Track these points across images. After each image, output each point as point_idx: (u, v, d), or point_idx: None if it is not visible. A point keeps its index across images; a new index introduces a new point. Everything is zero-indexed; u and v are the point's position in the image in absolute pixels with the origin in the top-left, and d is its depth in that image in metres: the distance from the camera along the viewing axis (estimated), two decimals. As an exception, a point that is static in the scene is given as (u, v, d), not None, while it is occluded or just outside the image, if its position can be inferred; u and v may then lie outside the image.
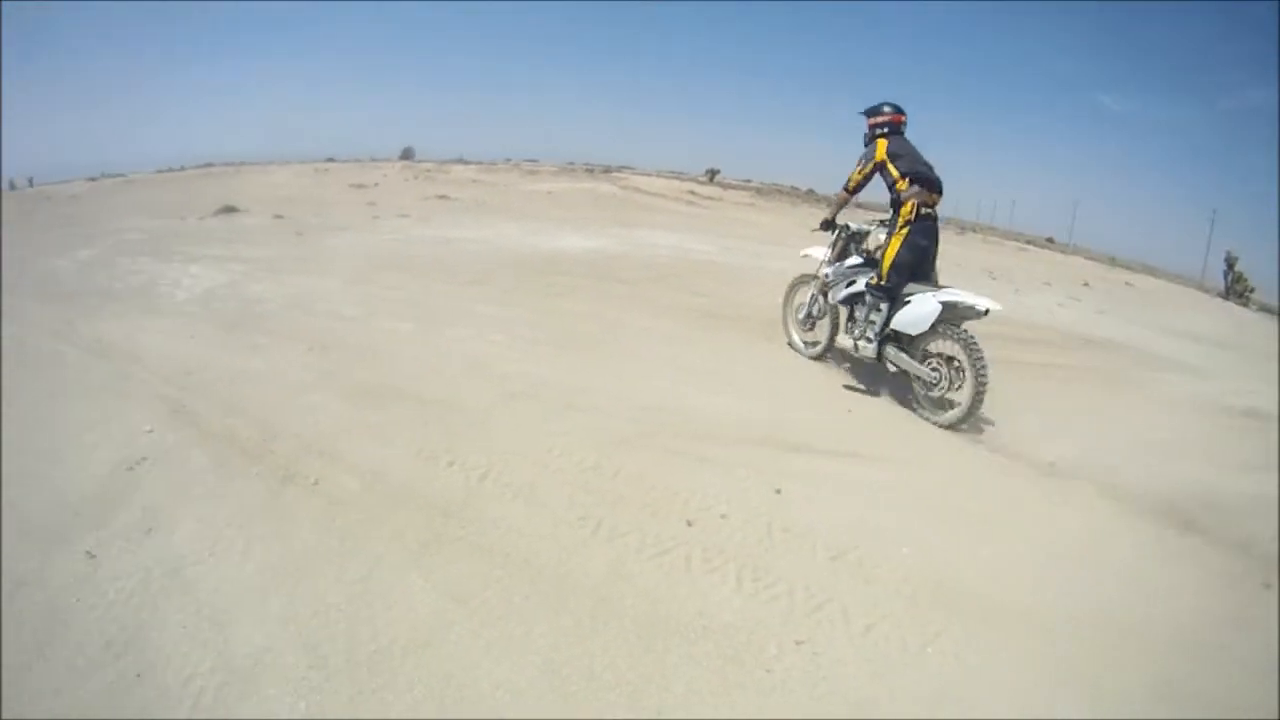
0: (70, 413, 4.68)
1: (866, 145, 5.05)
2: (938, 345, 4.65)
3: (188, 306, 7.40)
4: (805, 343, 5.90)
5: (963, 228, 28.78)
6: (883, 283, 4.82)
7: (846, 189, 5.16)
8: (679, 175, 32.84)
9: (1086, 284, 16.77)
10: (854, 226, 5.31)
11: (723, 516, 3.43)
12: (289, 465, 3.84)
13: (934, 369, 4.64)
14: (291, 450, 4.00)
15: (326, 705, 2.35)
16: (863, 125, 5.16)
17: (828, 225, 5.46)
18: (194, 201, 20.30)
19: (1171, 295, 19.01)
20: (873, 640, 2.65)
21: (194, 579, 2.97)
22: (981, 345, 4.52)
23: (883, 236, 4.90)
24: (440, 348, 5.82)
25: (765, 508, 3.48)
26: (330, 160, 37.58)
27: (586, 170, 31.83)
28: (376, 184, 23.89)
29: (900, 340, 4.86)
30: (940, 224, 4.95)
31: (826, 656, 2.56)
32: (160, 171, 36.82)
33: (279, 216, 15.45)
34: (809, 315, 5.72)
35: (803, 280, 5.82)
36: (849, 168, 5.13)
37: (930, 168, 4.85)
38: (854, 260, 5.20)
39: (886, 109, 5.00)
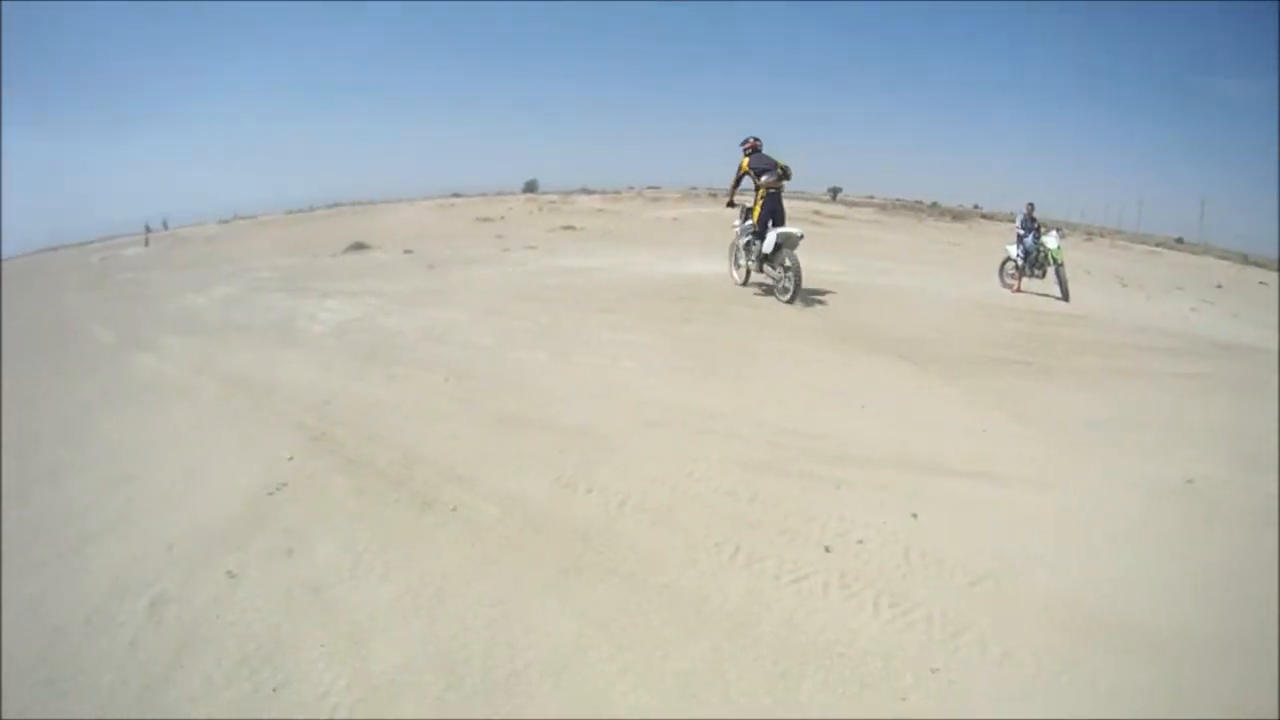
0: (212, 440, 5.84)
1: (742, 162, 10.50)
2: (780, 259, 9.74)
3: (324, 339, 8.87)
4: (736, 275, 11.19)
5: (1090, 233, 30.84)
6: (754, 226, 10.11)
7: (731, 185, 11.10)
8: (802, 194, 35.78)
9: (1219, 286, 18.36)
10: (738, 202, 11.11)
11: (860, 542, 3.87)
12: (428, 492, 4.58)
13: (777, 275, 9.82)
14: (430, 477, 4.76)
15: None
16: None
17: (730, 205, 11.32)
18: (325, 239, 24.05)
19: (1311, 293, 18.90)
20: (1009, 668, 2.96)
21: (334, 599, 3.64)
22: (799, 257, 9.72)
23: (753, 205, 10.19)
24: (574, 376, 6.66)
25: (903, 532, 3.95)
26: (455, 195, 43.79)
27: (710, 195, 34.81)
28: (503, 217, 27.76)
29: (767, 260, 10.06)
30: (784, 193, 10.43)
31: (962, 684, 2.87)
32: (290, 212, 42.85)
33: (409, 251, 18.06)
34: (737, 258, 10.99)
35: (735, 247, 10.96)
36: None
37: (774, 166, 10.18)
38: (747, 224, 10.45)
39: (748, 140, 10.51)
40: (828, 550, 3.79)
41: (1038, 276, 13.57)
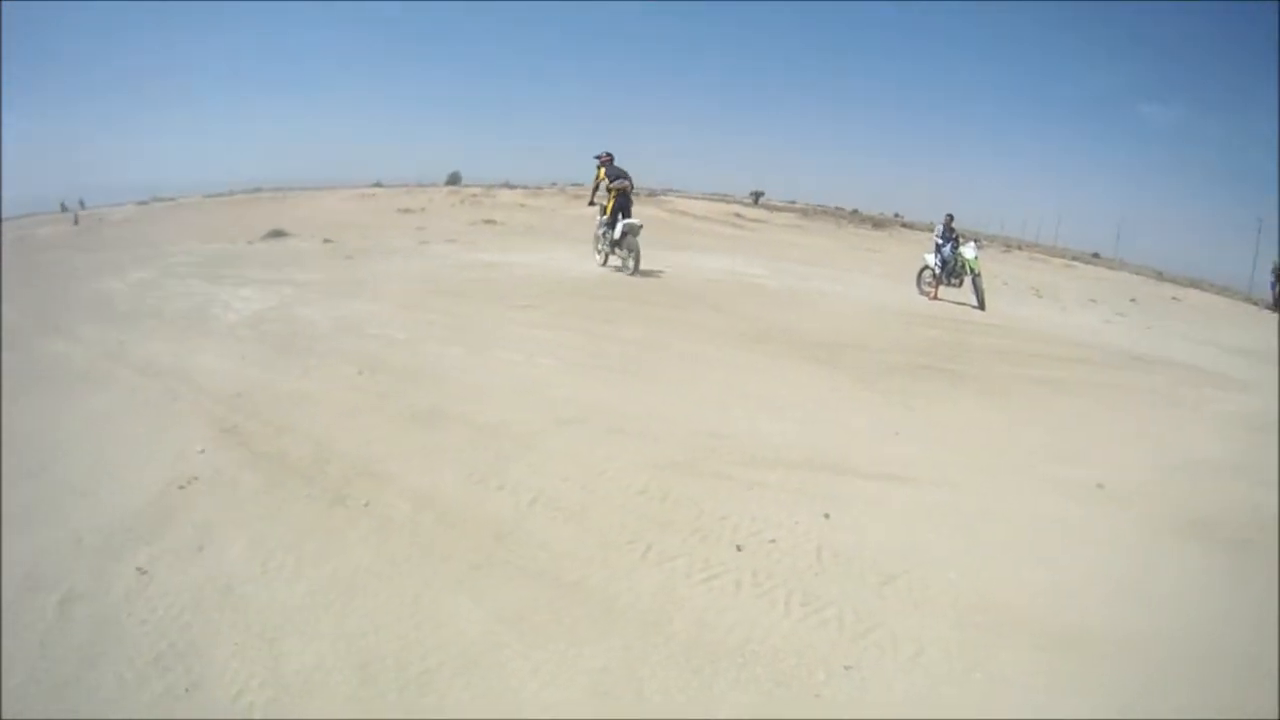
0: (123, 431, 5.75)
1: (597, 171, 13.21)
2: (626, 244, 12.39)
3: (238, 329, 8.78)
4: (598, 259, 13.68)
5: (1008, 245, 32.56)
6: (607, 220, 12.79)
7: (591, 189, 13.70)
8: (724, 198, 37.77)
9: (1133, 300, 19.86)
10: (598, 201, 13.46)
11: (772, 541, 4.04)
12: (340, 487, 4.60)
13: (623, 255, 12.44)
14: (342, 472, 4.80)
15: None
16: None
17: (590, 204, 13.83)
18: (243, 225, 23.58)
19: (1219, 309, 21.65)
20: (921, 665, 3.10)
21: (245, 597, 3.65)
22: (639, 243, 12.61)
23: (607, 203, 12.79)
24: (490, 372, 6.78)
25: (815, 532, 4.11)
26: (377, 185, 43.35)
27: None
28: (424, 209, 28.08)
29: (616, 245, 12.62)
30: (633, 195, 13.45)
31: (874, 682, 3.00)
32: (209, 196, 41.98)
33: (328, 241, 18.14)
34: (597, 242, 13.37)
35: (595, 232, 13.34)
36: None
37: (625, 174, 13.18)
38: (603, 218, 13.01)
39: (603, 154, 13.32)
40: (739, 549, 3.93)
41: (955, 285, 14.25)
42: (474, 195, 34.82)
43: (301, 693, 3.04)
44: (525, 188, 39.22)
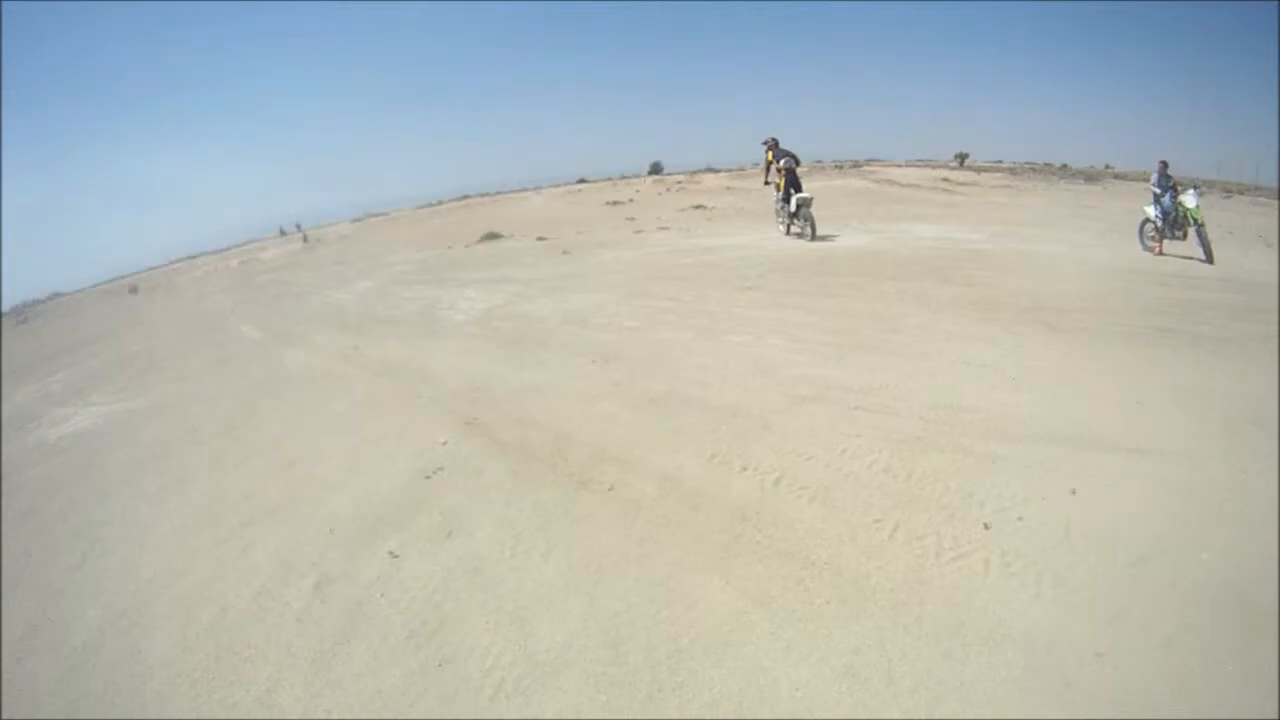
0: (367, 428, 6.25)
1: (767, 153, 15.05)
2: (801, 214, 13.83)
3: (468, 328, 9.35)
4: (780, 229, 14.93)
5: (1228, 190, 27.59)
6: (782, 196, 14.45)
7: (764, 172, 15.32)
8: (928, 163, 36.06)
9: None
10: (771, 180, 15.00)
11: (1019, 519, 3.81)
12: (583, 472, 4.77)
13: (801, 225, 13.79)
14: (584, 458, 4.96)
15: (625, 701, 2.95)
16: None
17: (765, 184, 15.45)
18: (458, 231, 25.18)
19: None
20: (1174, 654, 2.88)
21: (495, 578, 3.85)
22: (813, 213, 13.87)
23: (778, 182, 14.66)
24: (722, 354, 6.75)
25: (1062, 509, 3.90)
26: (582, 181, 45.25)
27: (836, 167, 35.66)
28: (631, 200, 28.54)
29: (793, 216, 14.13)
30: (800, 170, 14.77)
31: (1127, 670, 2.82)
32: (419, 207, 44.87)
33: (542, 238, 18.72)
34: (777, 215, 14.97)
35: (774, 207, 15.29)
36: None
37: (790, 154, 14.58)
38: (779, 195, 14.75)
39: (768, 140, 14.91)
40: (987, 527, 3.74)
41: (1178, 238, 13.08)
42: (678, 182, 34.98)
43: (552, 669, 3.17)
44: (728, 170, 38.86)
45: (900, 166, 34.75)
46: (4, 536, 6.31)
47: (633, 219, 21.34)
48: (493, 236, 21.23)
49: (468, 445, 5.48)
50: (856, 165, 35.73)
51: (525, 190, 46.28)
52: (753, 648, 3.08)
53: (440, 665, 3.34)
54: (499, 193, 48.17)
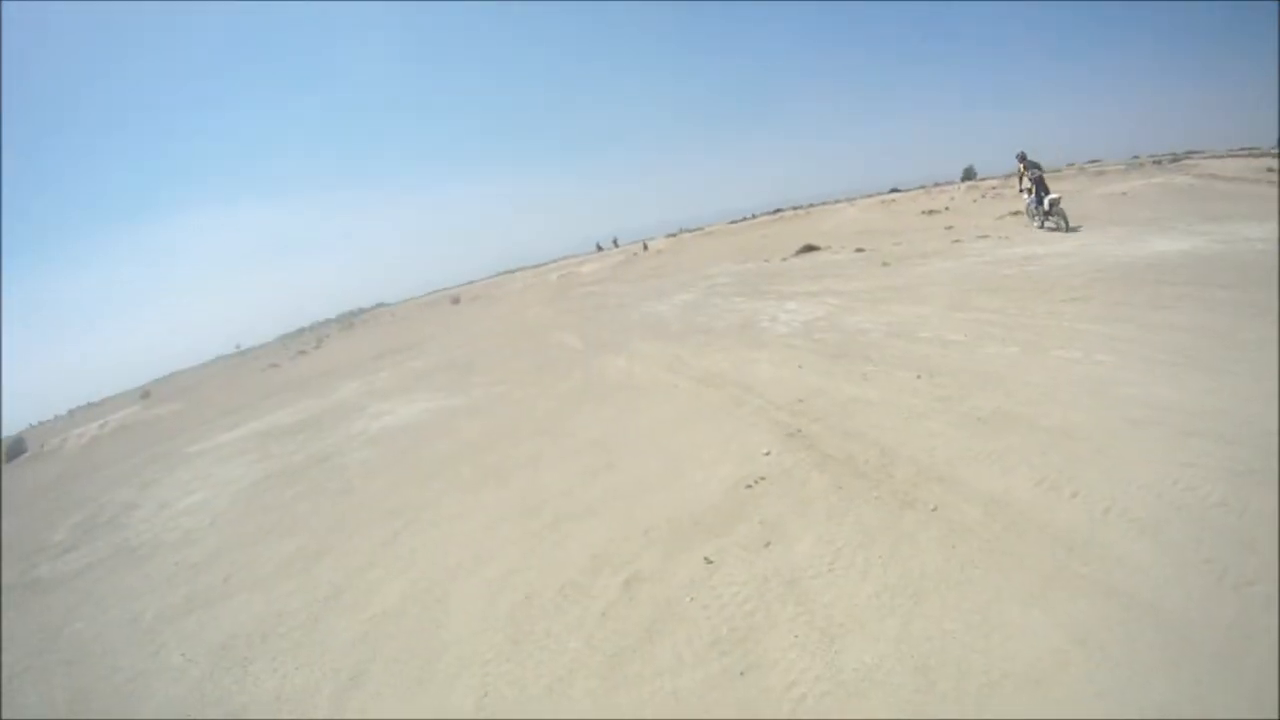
0: (689, 435, 6.53)
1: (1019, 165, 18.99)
2: (1055, 212, 17.29)
3: (790, 339, 9.47)
4: (1034, 223, 18.38)
5: None
6: (1035, 199, 18.27)
7: (1018, 180, 19.27)
8: (1251, 151, 32.77)
9: None
10: (1026, 185, 18.64)
11: None
12: (908, 490, 4.69)
13: (1054, 220, 17.19)
14: (910, 475, 4.87)
15: None
16: None
17: (1021, 191, 19.12)
18: (773, 244, 25.64)
19: None
20: None
21: (810, 592, 3.87)
22: (1063, 209, 17.27)
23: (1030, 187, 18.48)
24: (1050, 371, 6.36)
25: None
26: (894, 190, 46.17)
27: (1154, 163, 33.44)
28: (947, 208, 27.91)
29: (1047, 214, 17.66)
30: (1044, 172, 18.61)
31: None
32: (733, 221, 46.15)
33: (860, 250, 18.65)
34: (1031, 215, 18.53)
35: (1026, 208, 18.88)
36: None
37: (1037, 165, 18.54)
38: (1033, 194, 18.32)
39: (1019, 154, 18.88)
40: None
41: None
42: (992, 188, 33.88)
43: (857, 691, 3.14)
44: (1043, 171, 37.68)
45: (1221, 158, 31.78)
46: (315, 510, 7.17)
47: (950, 228, 20.82)
48: (810, 249, 21.38)
49: (791, 457, 5.55)
50: (1176, 159, 33.27)
51: (839, 202, 46.52)
52: (1065, 689, 2.91)
53: (743, 673, 3.40)
54: (811, 205, 48.70)
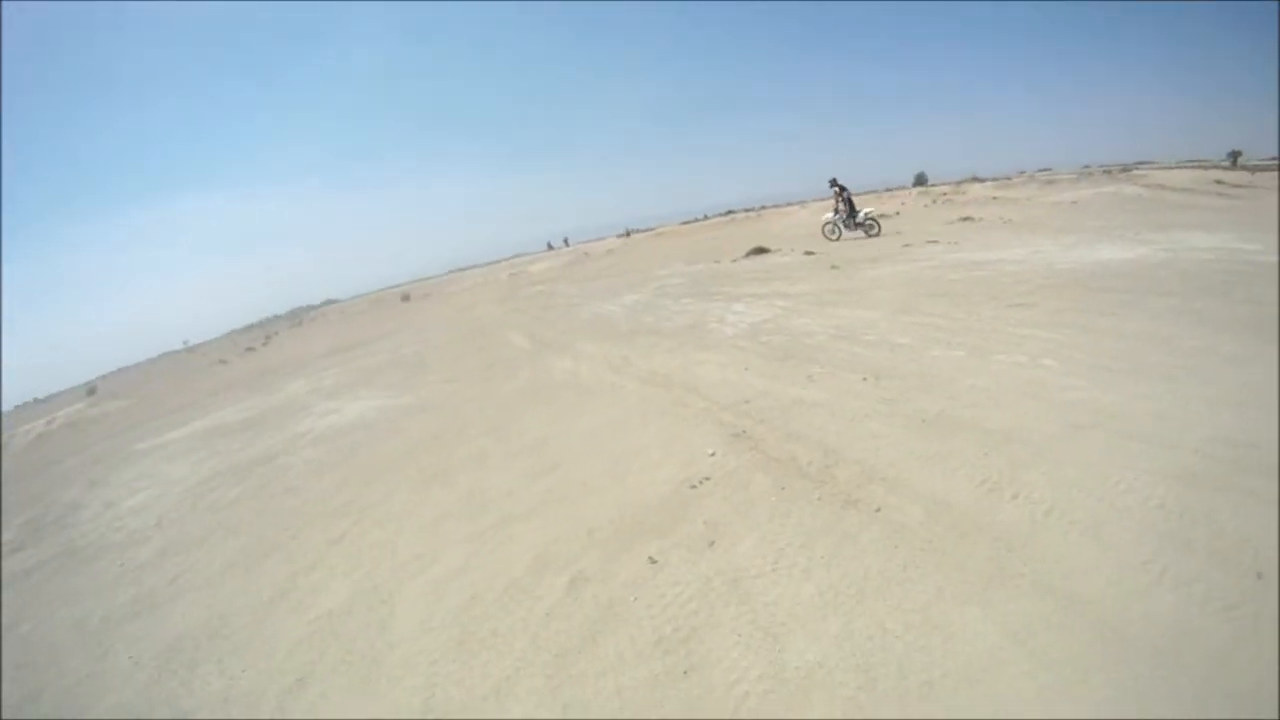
0: (634, 436, 6.56)
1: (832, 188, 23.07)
2: (866, 221, 22.20)
3: (737, 341, 9.53)
4: (832, 236, 22.89)
5: None
6: (848, 214, 22.65)
7: (834, 199, 23.01)
8: (1200, 163, 34.20)
9: None
10: (840, 205, 22.84)
11: None
12: (851, 491, 4.74)
13: (867, 226, 21.94)
14: (853, 476, 4.93)
15: None
16: None
17: (835, 212, 23.01)
18: (724, 245, 25.91)
19: None
20: None
21: (752, 592, 3.91)
22: (874, 221, 22.05)
23: (842, 207, 22.88)
24: (994, 375, 6.47)
25: None
26: None
27: (1104, 172, 34.36)
28: (898, 212, 28.73)
29: (858, 225, 22.48)
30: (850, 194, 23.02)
31: None
32: (685, 222, 46.52)
33: (810, 253, 18.97)
34: (834, 229, 22.86)
35: (827, 220, 23.16)
36: None
37: (846, 188, 22.79)
38: (840, 208, 22.82)
39: (832, 179, 22.62)
40: (1260, 577, 3.37)
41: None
42: (944, 193, 34.69)
43: (800, 689, 3.18)
44: (994, 179, 39.45)
45: (1170, 169, 33.16)
46: (261, 509, 7.15)
47: (900, 232, 21.18)
48: (760, 251, 21.60)
49: (735, 458, 5.58)
50: (1125, 169, 34.43)
51: (790, 204, 47.08)
52: (1006, 686, 2.97)
53: (686, 673, 3.44)
54: (763, 207, 49.23)
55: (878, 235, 21.02)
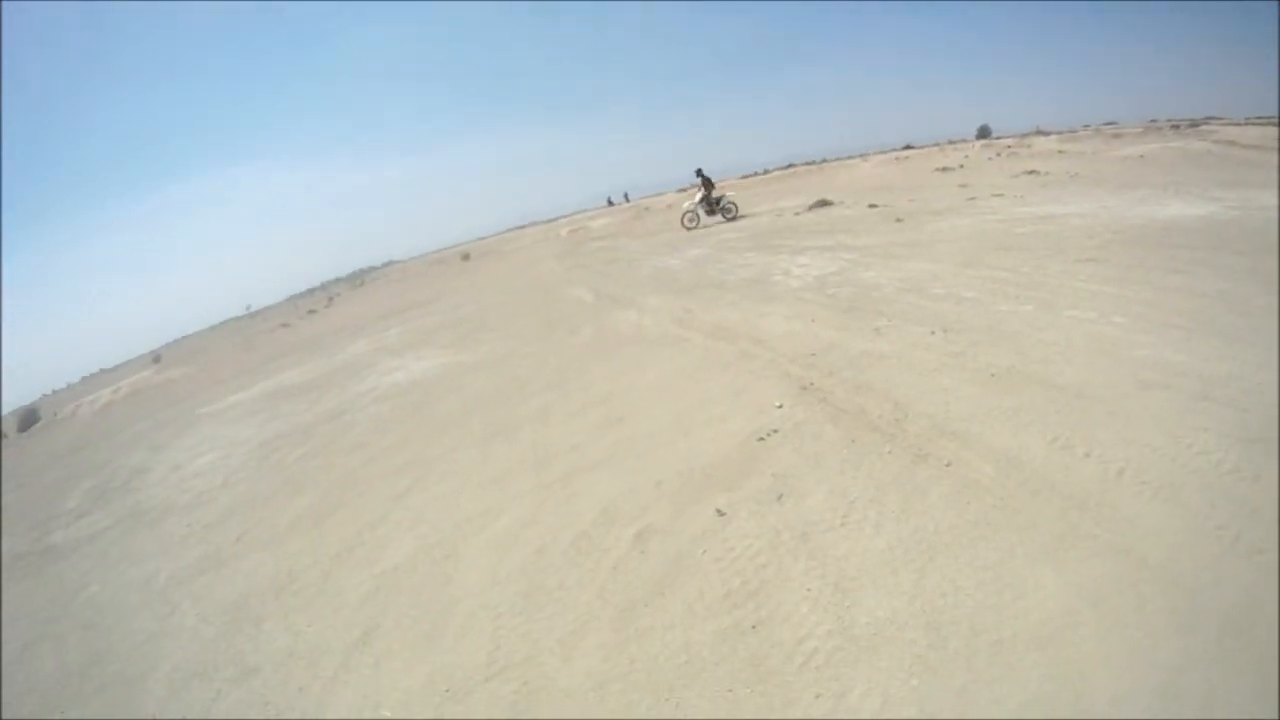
0: (700, 389, 6.53)
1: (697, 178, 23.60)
2: (724, 204, 23.24)
3: (803, 293, 9.42)
4: (690, 224, 23.10)
5: None
6: (704, 199, 23.28)
7: (698, 189, 23.72)
8: (1268, 120, 31.31)
9: None
10: (698, 202, 23.45)
11: None
12: (921, 445, 4.66)
13: (725, 209, 23.03)
14: (923, 430, 4.84)
15: (938, 689, 2.87)
16: None
17: (700, 200, 23.45)
18: (786, 198, 25.31)
19: None
20: None
21: (823, 546, 3.87)
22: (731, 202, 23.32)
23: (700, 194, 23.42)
24: (1064, 331, 6.29)
25: None
26: (908, 147, 45.22)
27: (1171, 127, 32.73)
28: (961, 165, 27.76)
29: (717, 209, 23.31)
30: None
31: None
32: (745, 176, 45.99)
33: (873, 206, 18.42)
34: (694, 217, 23.15)
35: (687, 209, 23.48)
36: None
37: (709, 178, 23.42)
38: (700, 196, 23.35)
39: (698, 169, 23.43)
40: None
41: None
42: (1008, 146, 33.44)
43: (868, 646, 3.14)
44: (1059, 133, 37.52)
45: (1239, 125, 31.23)
46: (326, 467, 7.20)
47: (965, 185, 20.44)
48: (823, 204, 21.16)
49: (803, 410, 5.53)
50: (1194, 124, 32.73)
51: (852, 157, 46.34)
52: (1076, 650, 2.90)
53: (754, 627, 3.42)
54: (824, 160, 48.54)
55: (735, 218, 22.29)
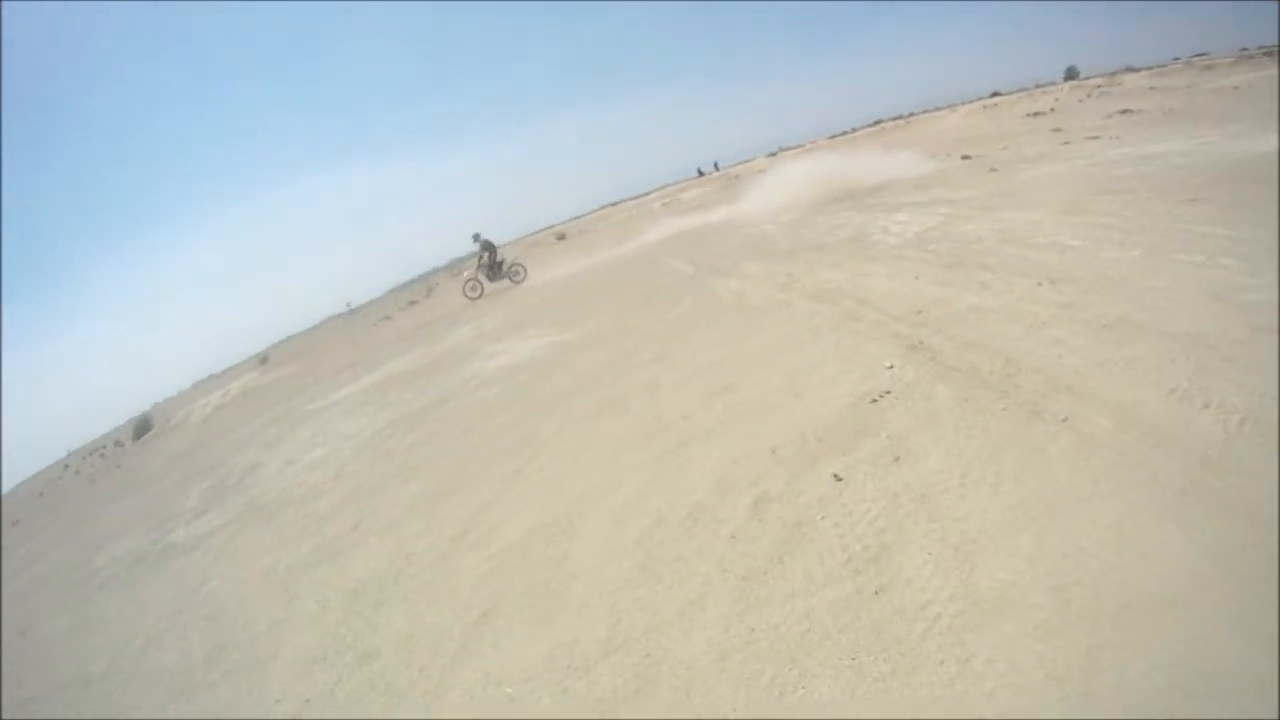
0: (808, 353, 6.47)
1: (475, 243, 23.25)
2: (509, 270, 23.35)
3: (903, 250, 9.25)
4: (472, 294, 22.58)
5: None
6: (489, 264, 23.07)
7: (479, 258, 23.34)
8: None
9: None
10: (479, 268, 23.18)
11: None
12: (1036, 401, 4.52)
13: (512, 274, 23.36)
14: (1037, 385, 4.70)
15: (1062, 654, 2.78)
16: None
17: (479, 267, 23.09)
18: (875, 156, 24.82)
19: None
20: None
21: (942, 508, 3.80)
22: (520, 269, 23.50)
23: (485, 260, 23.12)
24: (1173, 276, 6.00)
25: None
26: (995, 95, 44.53)
27: (1265, 54, 30.61)
28: (1052, 109, 26.82)
29: (502, 274, 23.19)
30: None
31: None
32: (832, 137, 45.48)
33: (966, 157, 17.99)
34: (476, 283, 22.70)
35: (467, 278, 23.29)
36: None
37: (490, 242, 23.34)
38: (483, 262, 22.96)
39: (475, 234, 23.29)
40: None
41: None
42: (1098, 86, 32.51)
43: (992, 610, 3.07)
44: (1149, 69, 36.40)
45: None
46: (437, 453, 7.34)
47: (1058, 130, 19.66)
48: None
49: (913, 369, 5.43)
50: None
51: (939, 109, 45.36)
52: (1201, 612, 2.76)
53: (876, 593, 3.38)
54: (911, 114, 47.62)
55: (523, 281, 22.70)
